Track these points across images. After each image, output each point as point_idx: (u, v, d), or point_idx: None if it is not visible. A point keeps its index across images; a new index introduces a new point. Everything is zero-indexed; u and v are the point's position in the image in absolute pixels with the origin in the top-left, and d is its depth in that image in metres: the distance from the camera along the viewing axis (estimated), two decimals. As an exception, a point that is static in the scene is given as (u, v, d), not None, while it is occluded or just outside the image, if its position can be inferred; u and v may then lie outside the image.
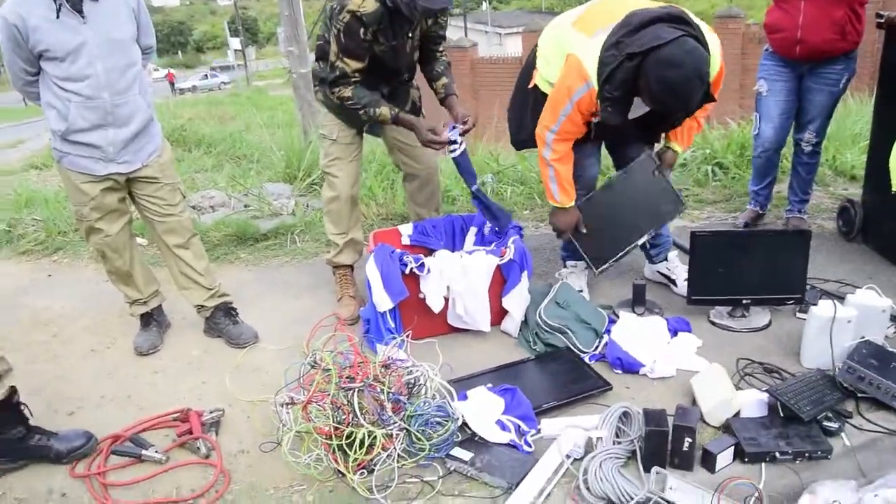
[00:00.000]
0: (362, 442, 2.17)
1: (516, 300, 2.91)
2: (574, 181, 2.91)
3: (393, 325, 2.84)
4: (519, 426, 2.32)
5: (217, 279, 3.18)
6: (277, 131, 8.48)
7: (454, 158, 3.06)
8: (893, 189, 2.69)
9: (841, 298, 2.64)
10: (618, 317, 2.94)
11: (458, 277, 2.85)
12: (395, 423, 2.25)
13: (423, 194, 3.42)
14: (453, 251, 3.07)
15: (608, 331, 2.82)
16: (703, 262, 2.86)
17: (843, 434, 2.22)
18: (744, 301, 2.88)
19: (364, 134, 3.25)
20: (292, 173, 5.42)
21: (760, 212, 3.92)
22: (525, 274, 2.92)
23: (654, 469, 2.08)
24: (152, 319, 3.18)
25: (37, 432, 2.38)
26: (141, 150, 2.79)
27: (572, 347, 2.76)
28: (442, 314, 2.92)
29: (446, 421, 2.29)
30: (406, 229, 3.30)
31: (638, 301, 3.02)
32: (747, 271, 2.84)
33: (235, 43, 48.07)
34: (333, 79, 2.88)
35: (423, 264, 2.82)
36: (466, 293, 2.86)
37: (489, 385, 2.50)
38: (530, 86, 2.98)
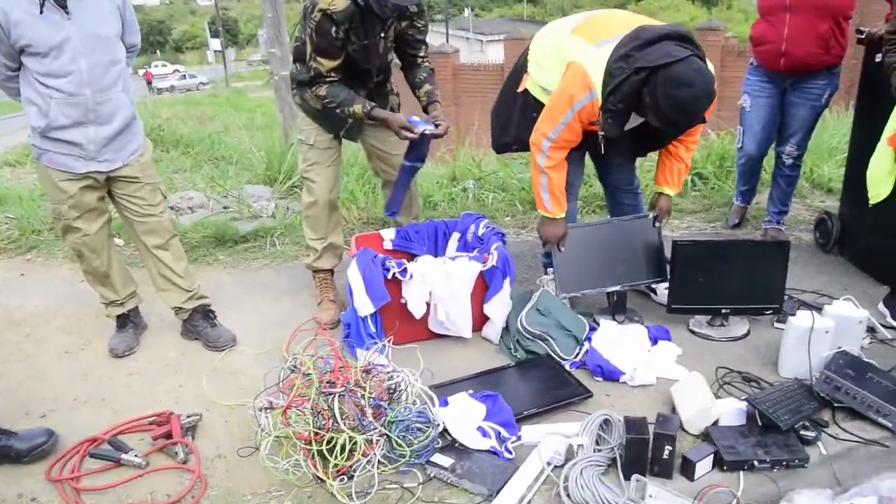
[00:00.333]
0: (343, 447, 2.15)
1: (498, 307, 2.91)
2: None
3: (374, 330, 2.83)
4: (500, 433, 2.32)
5: (196, 281, 3.14)
6: (257, 133, 8.42)
7: (403, 164, 3.09)
8: (871, 202, 2.75)
9: (818, 309, 2.68)
10: (598, 324, 2.95)
11: (441, 283, 2.84)
12: (375, 428, 2.24)
13: None
14: (436, 256, 3.07)
15: (589, 338, 2.83)
16: (684, 272, 2.88)
17: (819, 443, 2.25)
18: (723, 310, 2.91)
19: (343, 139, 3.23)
20: (273, 175, 5.39)
21: (747, 207, 4.05)
22: (507, 281, 2.91)
23: (635, 477, 2.08)
24: (128, 321, 3.13)
25: None
26: (122, 149, 2.75)
27: (553, 354, 2.76)
28: (423, 320, 2.91)
29: (427, 427, 2.28)
30: (388, 233, 3.29)
31: (618, 309, 3.04)
32: (727, 281, 2.87)
33: (216, 44, 47.69)
34: (309, 79, 2.89)
35: (405, 269, 2.81)
36: (448, 299, 2.86)
37: (470, 391, 2.49)
38: (520, 89, 2.98)
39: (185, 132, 10.33)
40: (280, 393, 2.38)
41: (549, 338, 2.78)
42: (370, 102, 2.93)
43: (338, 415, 2.21)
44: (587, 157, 3.18)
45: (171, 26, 68.27)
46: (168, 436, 2.41)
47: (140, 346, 3.10)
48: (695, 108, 2.51)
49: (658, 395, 2.54)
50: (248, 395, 2.54)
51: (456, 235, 3.28)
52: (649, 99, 2.51)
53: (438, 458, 2.23)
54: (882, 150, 2.71)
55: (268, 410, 2.34)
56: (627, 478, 2.09)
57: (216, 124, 13.99)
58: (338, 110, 2.92)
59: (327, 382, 2.30)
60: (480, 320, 2.97)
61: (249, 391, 2.58)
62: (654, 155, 3.16)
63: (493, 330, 2.95)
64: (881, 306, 2.98)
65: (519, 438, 2.32)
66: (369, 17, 2.75)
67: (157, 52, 60.27)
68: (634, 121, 2.69)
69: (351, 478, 2.16)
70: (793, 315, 2.58)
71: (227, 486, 2.23)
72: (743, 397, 2.40)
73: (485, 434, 2.31)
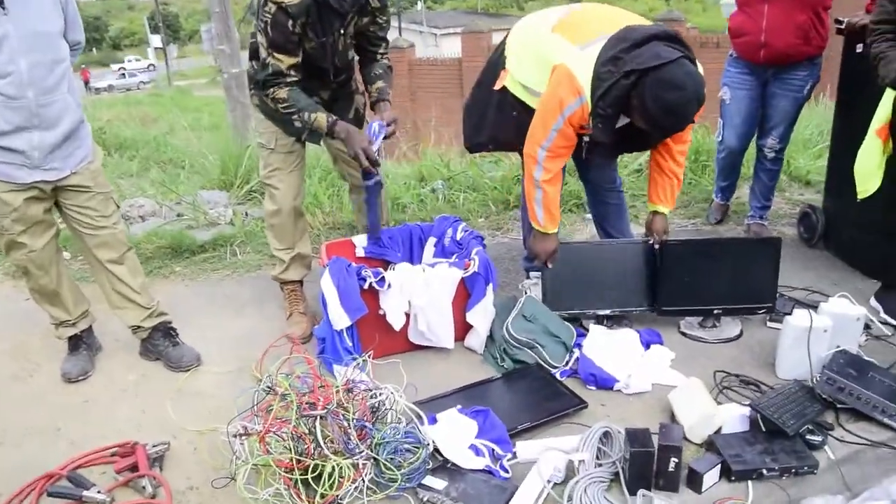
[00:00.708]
0: (330, 474, 1.99)
1: (481, 315, 2.77)
2: None
3: (350, 345, 2.66)
4: (493, 450, 2.18)
5: (154, 297, 2.92)
6: (205, 134, 8.10)
7: (365, 185, 2.85)
8: (859, 197, 2.70)
9: (811, 307, 2.61)
10: (587, 330, 2.84)
11: (420, 292, 2.69)
12: (361, 451, 2.08)
13: None
14: (412, 263, 2.91)
15: (578, 345, 2.72)
16: (672, 272, 2.80)
17: (826, 447, 2.18)
18: (715, 311, 2.83)
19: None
20: (228, 180, 5.13)
21: (727, 204, 4.01)
22: (490, 287, 2.78)
23: (641, 492, 1.99)
24: (81, 342, 2.89)
25: None
26: (70, 156, 2.52)
27: (542, 363, 2.64)
28: (402, 331, 2.76)
29: (416, 447, 2.14)
30: (360, 240, 3.10)
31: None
32: (717, 280, 2.80)
33: (156, 40, 46.28)
34: (266, 77, 2.67)
35: (382, 279, 2.64)
36: (429, 308, 2.71)
37: (459, 407, 2.35)
38: (496, 87, 2.84)
39: (128, 134, 9.91)
40: (254, 416, 2.20)
41: (537, 345, 2.66)
42: (332, 116, 2.72)
43: (320, 439, 2.05)
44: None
45: (107, 22, 65.76)
46: (134, 468, 2.20)
47: (95, 370, 2.87)
48: (684, 111, 2.44)
49: (655, 403, 2.44)
50: (217, 420, 2.35)
51: (432, 240, 3.12)
52: (637, 101, 2.43)
53: (430, 481, 2.09)
54: (870, 143, 2.66)
55: (243, 437, 2.16)
56: (633, 493, 1.99)
57: (161, 125, 13.50)
58: (295, 116, 2.71)
59: (307, 404, 2.13)
60: (463, 329, 2.83)
61: (218, 415, 2.39)
62: (644, 158, 3.07)
63: (476, 339, 2.81)
64: (873, 301, 2.94)
65: (514, 455, 2.20)
66: (327, 12, 2.58)
67: (94, 49, 58.21)
68: (621, 121, 2.59)
69: (339, 508, 2.00)
70: (787, 314, 2.51)
71: (202, 521, 2.04)
72: (746, 402, 2.32)
73: (478, 452, 2.18)
